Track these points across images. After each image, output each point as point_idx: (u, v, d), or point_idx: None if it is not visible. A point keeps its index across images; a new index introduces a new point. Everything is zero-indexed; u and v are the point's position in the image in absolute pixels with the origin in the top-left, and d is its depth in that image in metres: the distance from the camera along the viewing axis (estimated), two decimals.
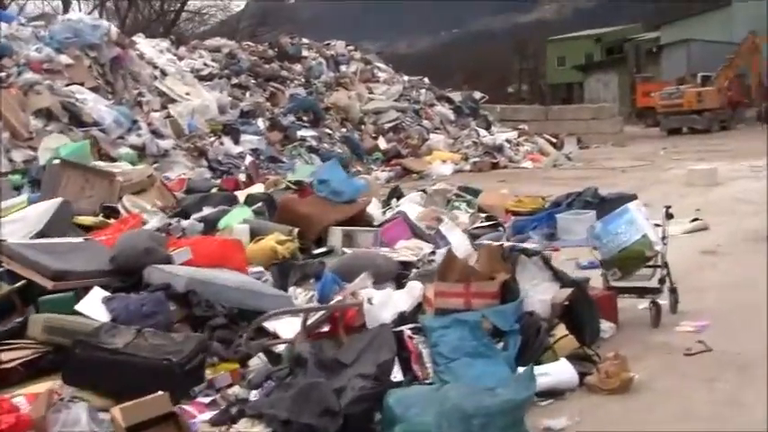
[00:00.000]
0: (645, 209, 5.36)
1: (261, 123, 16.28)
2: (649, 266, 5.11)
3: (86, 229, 7.44)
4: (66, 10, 32.35)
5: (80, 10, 31.51)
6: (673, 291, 5.19)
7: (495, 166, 17.51)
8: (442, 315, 3.94)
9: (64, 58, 14.42)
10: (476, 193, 12.29)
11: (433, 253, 5.55)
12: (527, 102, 46.95)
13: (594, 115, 24.03)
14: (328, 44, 22.34)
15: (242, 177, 13.46)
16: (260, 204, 7.42)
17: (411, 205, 8.43)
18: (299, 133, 16.39)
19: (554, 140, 21.05)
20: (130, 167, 11.35)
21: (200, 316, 4.59)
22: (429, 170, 16.45)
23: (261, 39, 28.72)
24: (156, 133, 13.91)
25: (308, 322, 4.33)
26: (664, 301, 5.12)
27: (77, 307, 4.58)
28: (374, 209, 8.72)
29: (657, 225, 5.23)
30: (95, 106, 13.55)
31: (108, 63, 15.31)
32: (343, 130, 18.09)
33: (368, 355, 3.72)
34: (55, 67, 14.24)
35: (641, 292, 5.11)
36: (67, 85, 13.89)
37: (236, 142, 15.22)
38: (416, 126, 19.56)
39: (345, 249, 6.24)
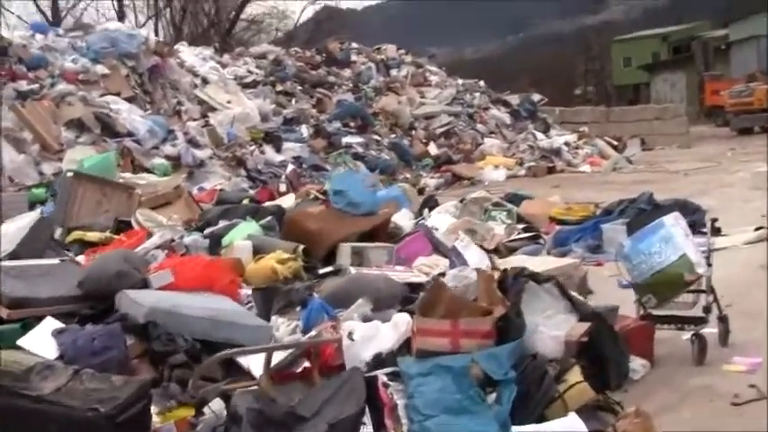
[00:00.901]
0: (684, 222, 4.49)
1: (305, 130, 15.72)
2: (691, 291, 4.30)
3: (92, 245, 6.98)
4: (121, 21, 32.58)
5: (135, 21, 31.68)
6: (722, 319, 4.37)
7: (551, 170, 16.62)
8: (424, 358, 3.21)
9: (100, 69, 14.10)
10: (523, 199, 11.58)
11: (442, 274, 4.82)
12: (593, 104, 45.59)
13: (658, 116, 22.90)
14: (378, 48, 21.73)
15: (282, 187, 12.94)
16: (269, 218, 6.78)
17: (443, 216, 7.74)
18: (345, 140, 15.78)
19: (615, 143, 20.04)
20: (156, 179, 10.91)
21: (159, 351, 3.97)
22: (481, 176, 15.67)
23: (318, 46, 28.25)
24: (192, 143, 13.44)
25: (280, 360, 3.66)
26: (712, 329, 4.31)
27: (20, 341, 4.00)
28: (405, 220, 8.05)
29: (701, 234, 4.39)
30: (129, 116, 13.17)
31: (146, 72, 14.94)
32: (393, 135, 17.43)
33: (332, 407, 3.04)
34: (91, 78, 13.94)
35: (682, 322, 4.31)
36: (102, 95, 13.56)
37: (278, 150, 14.69)
38: (470, 130, 18.79)
39: (353, 269, 5.55)
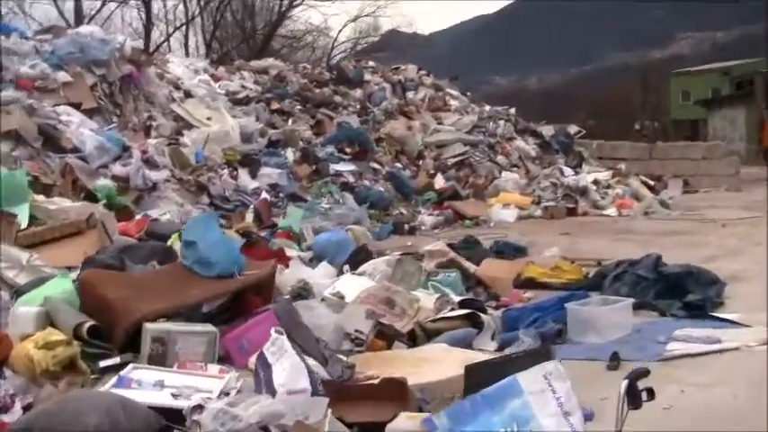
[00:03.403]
0: (567, 383, 2.50)
1: (290, 154, 13.93)
2: None
3: None
4: (147, 37, 31.44)
5: (166, 30, 30.40)
6: None
7: (571, 212, 14.55)
8: None
9: (62, 76, 12.56)
10: (518, 250, 9.65)
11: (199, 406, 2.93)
12: (648, 140, 43.25)
13: (706, 154, 20.59)
14: (397, 68, 19.92)
15: (249, 219, 11.18)
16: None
17: (357, 279, 5.83)
18: (335, 167, 13.94)
19: (651, 183, 17.85)
20: (69, 204, 9.21)
21: None
22: (487, 215, 13.70)
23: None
24: (149, 163, 11.75)
25: None
26: None
27: None
28: (323, 277, 6.19)
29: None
30: (77, 130, 11.55)
31: (117, 82, 13.37)
32: (398, 165, 15.56)
33: None
34: (49, 86, 12.39)
35: None
36: (56, 105, 12.01)
37: (254, 176, 12.92)
38: (487, 163, 16.82)
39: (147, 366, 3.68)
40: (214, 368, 3.81)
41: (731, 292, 6.59)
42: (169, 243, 8.26)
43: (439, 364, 4.34)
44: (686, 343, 4.91)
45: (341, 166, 14.03)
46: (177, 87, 14.68)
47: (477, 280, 6.53)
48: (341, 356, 4.27)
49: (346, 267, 6.35)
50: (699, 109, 45.16)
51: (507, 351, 4.93)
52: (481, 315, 5.24)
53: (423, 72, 19.99)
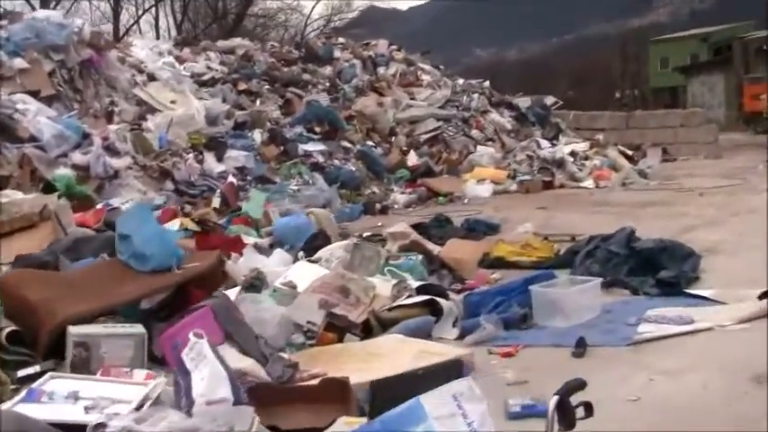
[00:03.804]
0: (482, 405, 2.17)
1: (257, 136, 13.55)
2: None
3: None
4: (116, 20, 30.81)
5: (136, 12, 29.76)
6: None
7: (547, 185, 14.25)
8: None
9: (18, 63, 12.14)
10: (490, 227, 9.36)
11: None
12: (628, 108, 43.09)
13: (684, 122, 20.30)
14: (367, 44, 19.50)
15: (215, 203, 10.83)
16: None
17: (310, 267, 5.51)
18: (304, 147, 13.57)
19: (630, 153, 17.57)
20: (21, 196, 8.83)
21: None
22: (462, 192, 13.38)
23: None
24: (110, 150, 11.37)
25: None
26: None
27: None
28: (279, 265, 5.89)
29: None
30: (34, 119, 11.14)
31: (76, 68, 12.93)
32: (369, 143, 15.20)
33: None
34: (5, 74, 11.99)
35: None
36: (11, 93, 11.60)
37: (220, 159, 12.55)
38: (461, 137, 16.49)
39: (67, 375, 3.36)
40: (141, 374, 3.50)
41: (708, 265, 6.31)
42: None
43: (391, 357, 4.04)
44: (658, 324, 4.61)
45: (310, 146, 13.67)
46: (140, 71, 14.24)
47: (441, 262, 6.20)
48: (283, 354, 3.95)
49: (301, 254, 6.03)
50: (678, 76, 44.96)
51: (468, 339, 4.64)
52: (440, 301, 4.91)
53: (394, 47, 19.58)
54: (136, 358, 3.63)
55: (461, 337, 4.70)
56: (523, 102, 20.58)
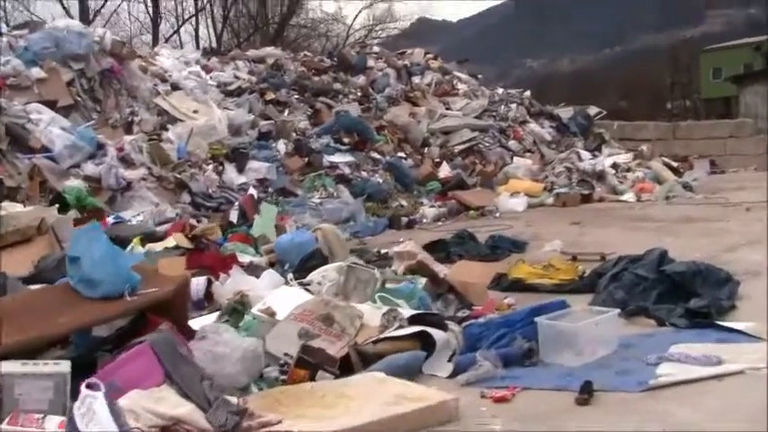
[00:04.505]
0: None
1: (282, 146, 13.09)
2: None
3: None
4: (155, 30, 30.62)
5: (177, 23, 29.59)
6: None
7: (586, 199, 13.53)
8: None
9: (36, 72, 11.92)
10: (515, 245, 8.76)
11: None
12: (679, 119, 41.96)
13: (733, 132, 19.40)
14: (403, 53, 18.96)
15: (233, 217, 10.39)
16: None
17: (294, 292, 4.96)
18: (330, 158, 13.08)
19: (675, 164, 16.76)
20: (19, 209, 8.46)
21: None
22: (494, 205, 12.75)
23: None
24: (125, 161, 11.02)
25: None
26: None
27: None
28: (268, 288, 5.37)
29: None
30: (46, 129, 10.84)
31: (96, 77, 12.65)
32: (401, 154, 14.66)
33: None
34: (23, 83, 11.74)
35: None
36: (27, 103, 11.33)
37: (241, 171, 12.12)
38: (497, 148, 15.86)
39: None
40: (54, 421, 2.97)
41: (748, 291, 5.62)
42: (129, 248, 7.52)
43: (361, 402, 3.48)
44: (681, 364, 3.97)
45: (337, 158, 13.16)
46: (164, 80, 13.90)
47: (449, 286, 5.60)
48: (231, 398, 3.39)
49: (290, 276, 5.48)
50: (730, 86, 43.62)
51: (461, 378, 4.05)
52: (433, 333, 4.33)
53: (430, 56, 19.02)
54: (55, 402, 3.11)
55: (455, 374, 4.11)
56: (565, 112, 19.88)
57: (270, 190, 11.89)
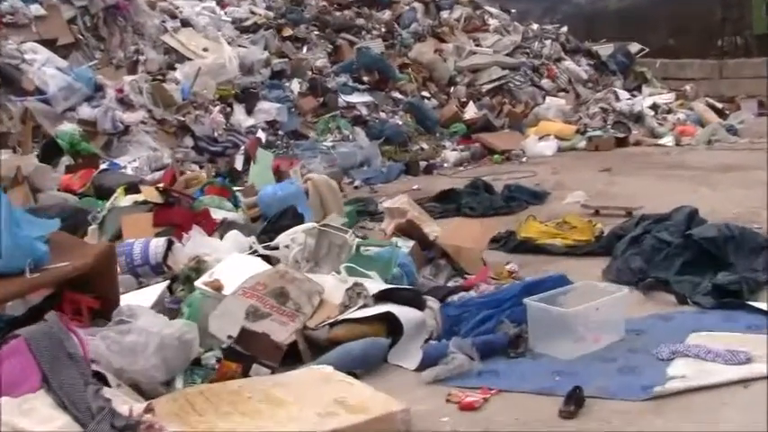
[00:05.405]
0: None
1: (296, 86, 12.32)
2: None
3: None
4: None
5: None
6: None
7: (621, 142, 12.60)
8: None
9: (34, 9, 11.25)
10: (534, 196, 8.00)
11: None
12: (729, 57, 40.14)
13: None
14: None
15: (238, 162, 9.77)
16: None
17: (248, 260, 4.28)
18: (347, 98, 12.28)
19: (720, 106, 15.65)
20: (5, 156, 7.91)
21: None
22: (522, 149, 11.91)
23: None
24: (123, 103, 10.35)
25: None
26: None
27: None
28: (231, 251, 4.72)
29: None
30: (40, 69, 10.21)
31: (100, 14, 11.94)
32: (425, 93, 13.82)
33: None
34: (20, 21, 11.10)
35: None
36: (22, 42, 10.70)
37: (250, 112, 11.41)
38: (529, 88, 14.91)
39: None
40: None
41: None
42: (112, 199, 6.88)
43: (292, 409, 2.79)
44: (699, 361, 3.22)
45: (354, 98, 12.35)
46: (174, 17, 13.12)
47: (441, 251, 4.87)
48: (123, 407, 2.72)
49: (252, 239, 4.77)
50: None
51: (427, 374, 3.35)
52: (399, 315, 3.61)
53: None
54: None
55: (422, 368, 3.40)
56: (604, 49, 18.73)
57: (280, 132, 11.18)
